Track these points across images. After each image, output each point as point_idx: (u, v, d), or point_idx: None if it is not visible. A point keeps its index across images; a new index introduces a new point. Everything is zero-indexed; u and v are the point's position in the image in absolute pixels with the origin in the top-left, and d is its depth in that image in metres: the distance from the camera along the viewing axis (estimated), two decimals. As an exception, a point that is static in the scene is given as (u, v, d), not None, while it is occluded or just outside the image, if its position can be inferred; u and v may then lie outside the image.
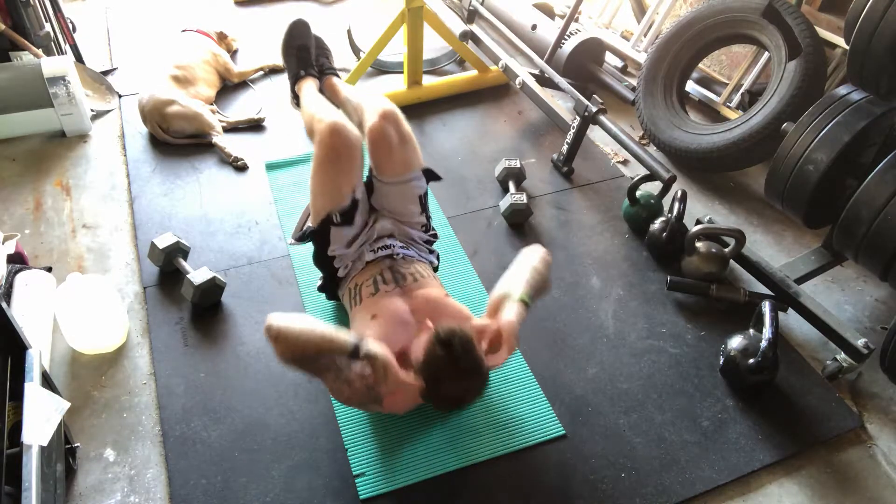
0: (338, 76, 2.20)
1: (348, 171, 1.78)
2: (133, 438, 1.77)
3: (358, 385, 1.51)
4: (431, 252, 2.00)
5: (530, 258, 1.77)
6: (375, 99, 1.87)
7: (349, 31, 3.31)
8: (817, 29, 2.53)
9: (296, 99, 2.14)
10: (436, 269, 2.02)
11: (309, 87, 2.11)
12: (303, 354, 1.51)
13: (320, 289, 1.99)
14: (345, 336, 1.50)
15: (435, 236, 2.01)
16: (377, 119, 1.78)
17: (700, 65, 3.13)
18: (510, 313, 1.61)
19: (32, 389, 1.43)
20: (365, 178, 1.95)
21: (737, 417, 1.89)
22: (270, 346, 1.50)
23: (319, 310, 2.10)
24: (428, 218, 1.97)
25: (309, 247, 1.95)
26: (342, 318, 2.05)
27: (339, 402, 1.69)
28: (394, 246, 1.84)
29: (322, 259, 1.88)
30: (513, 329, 1.58)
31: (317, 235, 1.85)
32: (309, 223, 1.90)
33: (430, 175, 1.94)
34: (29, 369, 1.46)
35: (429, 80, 3.12)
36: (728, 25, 2.68)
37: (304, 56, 2.18)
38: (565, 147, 2.72)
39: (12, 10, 2.69)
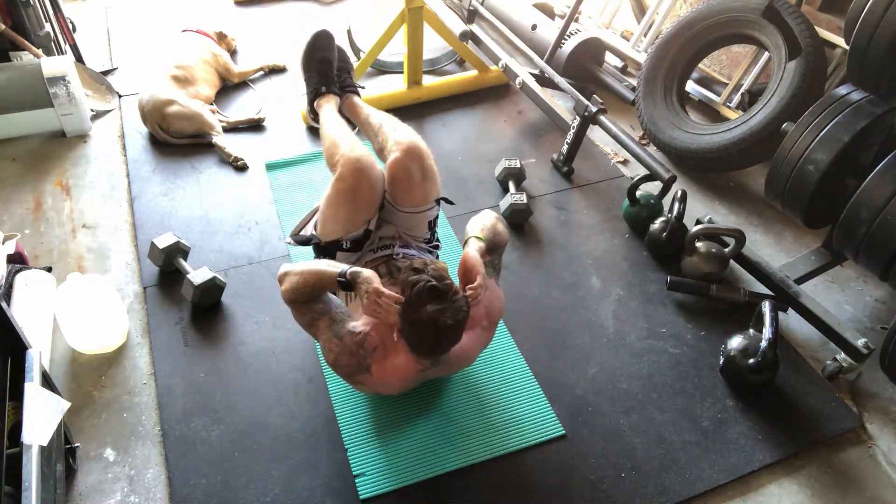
0: (359, 95, 2.10)
1: (367, 207, 1.78)
2: (133, 438, 1.77)
3: (348, 342, 1.58)
4: (431, 252, 2.00)
5: (480, 217, 1.85)
6: (400, 130, 1.84)
7: (349, 31, 3.31)
8: (817, 29, 2.53)
9: (313, 114, 2.07)
10: (436, 269, 2.01)
11: (330, 107, 2.00)
12: (301, 292, 1.63)
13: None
14: (336, 267, 1.60)
15: (437, 247, 1.99)
16: (400, 154, 1.76)
17: (700, 65, 3.13)
18: (470, 248, 1.70)
19: (32, 389, 1.43)
20: None
21: (737, 417, 1.89)
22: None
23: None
24: (434, 237, 1.96)
25: (309, 247, 1.96)
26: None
27: (329, 366, 1.67)
28: (394, 246, 1.85)
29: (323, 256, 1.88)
30: (475, 258, 1.65)
31: (322, 251, 1.85)
32: (314, 231, 1.90)
33: (444, 199, 1.94)
34: (29, 369, 1.46)
35: (429, 80, 3.12)
36: (728, 25, 2.68)
37: (326, 70, 2.04)
38: (565, 147, 2.72)
39: (12, 10, 2.69)
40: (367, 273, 1.57)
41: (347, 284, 1.58)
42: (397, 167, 1.77)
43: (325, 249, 1.84)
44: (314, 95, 2.04)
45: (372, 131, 1.93)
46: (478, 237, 1.75)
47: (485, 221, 1.82)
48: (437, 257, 2.02)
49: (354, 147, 1.76)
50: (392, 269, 1.78)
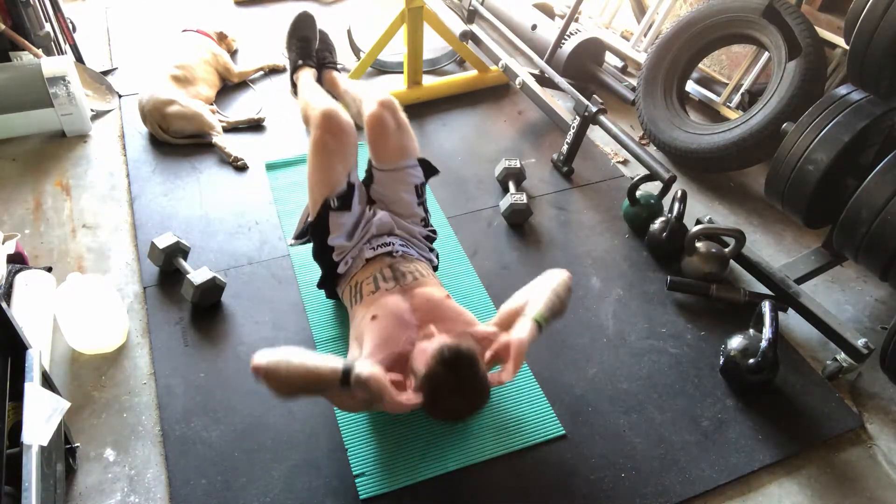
0: (338, 70, 2.25)
1: (342, 154, 1.82)
2: (133, 438, 1.77)
3: (360, 397, 1.49)
4: (431, 250, 2.00)
5: (553, 280, 1.72)
6: (374, 89, 1.95)
7: (349, 31, 3.31)
8: (817, 29, 2.53)
9: (294, 88, 2.20)
10: (436, 269, 2.02)
11: (306, 75, 2.16)
12: (298, 394, 1.57)
13: (319, 285, 2.00)
14: (333, 365, 1.47)
15: (434, 232, 2.02)
16: (375, 106, 1.85)
17: (700, 65, 3.13)
18: (523, 330, 1.56)
19: (32, 389, 1.43)
20: (363, 177, 1.96)
21: (737, 417, 1.89)
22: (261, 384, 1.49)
23: (319, 309, 2.10)
24: (426, 211, 1.99)
25: (309, 247, 1.96)
26: (342, 316, 2.05)
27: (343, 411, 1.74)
28: (393, 244, 1.85)
29: (322, 252, 1.88)
30: (523, 347, 1.54)
31: (316, 226, 1.85)
32: (308, 219, 1.91)
33: (428, 168, 1.97)
34: (29, 369, 1.46)
35: (429, 80, 3.12)
36: (728, 25, 2.68)
37: (305, 46, 2.23)
38: (565, 147, 2.72)
39: (12, 10, 2.69)
40: (368, 373, 1.45)
41: (350, 385, 1.46)
42: (373, 119, 1.84)
43: (320, 223, 1.83)
44: (293, 69, 2.21)
45: (350, 98, 2.05)
46: (538, 320, 1.59)
47: (553, 292, 1.67)
48: (437, 256, 2.03)
49: (324, 102, 1.85)
50: (397, 274, 1.77)
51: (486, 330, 1.66)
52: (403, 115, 1.90)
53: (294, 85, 2.20)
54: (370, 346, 1.62)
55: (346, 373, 1.45)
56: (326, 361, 1.50)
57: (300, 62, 2.21)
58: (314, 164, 1.83)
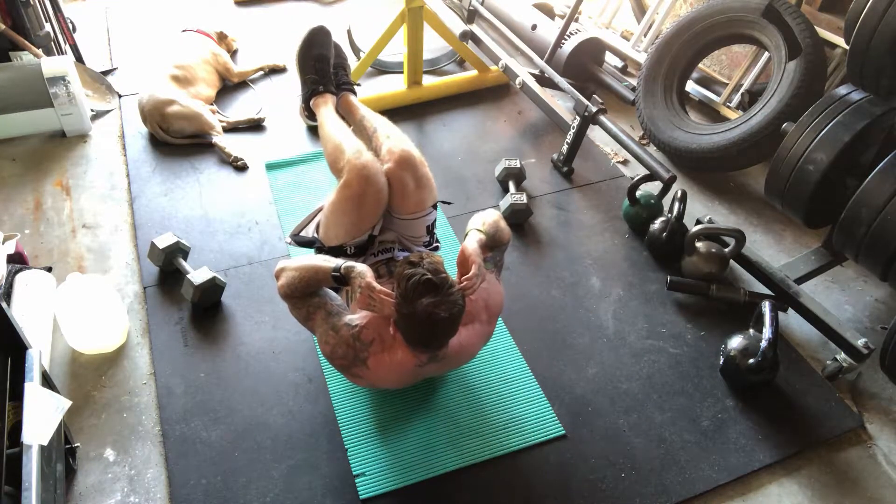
0: (355, 93, 2.08)
1: (373, 214, 1.79)
2: (133, 438, 1.77)
3: (344, 333, 1.59)
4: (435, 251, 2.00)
5: (482, 214, 1.85)
6: (393, 138, 1.85)
7: (349, 31, 3.31)
8: (817, 29, 2.53)
9: (308, 112, 2.11)
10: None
11: (328, 108, 1.98)
12: (296, 287, 1.65)
13: None
14: (331, 262, 1.62)
15: (436, 249, 1.99)
16: (393, 165, 1.77)
17: (700, 65, 3.13)
18: (469, 240, 1.71)
19: (32, 389, 1.43)
20: None
21: (737, 417, 1.89)
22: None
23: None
24: (433, 238, 1.96)
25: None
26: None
27: (326, 359, 1.67)
28: (394, 249, 1.86)
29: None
30: (474, 249, 1.65)
31: (325, 252, 1.84)
32: (315, 234, 1.89)
33: (441, 202, 1.95)
34: (29, 369, 1.46)
35: (429, 80, 3.12)
36: (728, 25, 2.68)
37: (323, 68, 2.01)
38: (565, 147, 2.72)
39: (12, 10, 2.69)
40: (361, 268, 1.58)
41: (342, 279, 1.60)
42: (391, 178, 1.78)
43: (327, 253, 1.82)
44: (311, 94, 2.01)
45: (367, 135, 1.92)
46: (479, 230, 1.76)
47: (487, 217, 1.82)
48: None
49: (360, 153, 1.76)
50: (392, 268, 1.79)
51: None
52: (424, 169, 1.82)
53: (309, 110, 2.05)
54: (361, 312, 1.65)
55: (339, 266, 1.60)
56: (327, 260, 1.65)
57: (320, 88, 1.99)
58: (340, 214, 1.78)
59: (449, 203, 2.01)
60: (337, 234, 1.80)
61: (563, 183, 2.71)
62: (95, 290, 1.94)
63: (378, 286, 1.54)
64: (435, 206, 1.89)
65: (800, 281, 2.18)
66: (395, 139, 1.84)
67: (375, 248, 1.86)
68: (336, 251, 1.81)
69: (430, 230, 1.92)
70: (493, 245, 1.77)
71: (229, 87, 3.13)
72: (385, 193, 1.78)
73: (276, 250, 2.31)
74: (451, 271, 2.22)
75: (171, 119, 2.71)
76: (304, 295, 1.67)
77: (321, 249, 1.85)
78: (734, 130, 2.56)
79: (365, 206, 1.75)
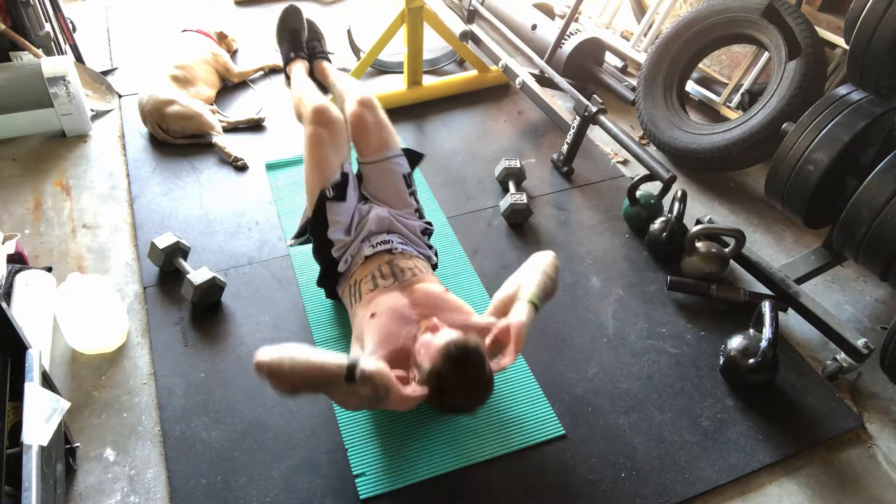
0: (328, 60, 2.35)
1: (335, 145, 1.90)
2: (133, 438, 1.77)
3: (364, 393, 1.49)
4: (430, 247, 2.01)
5: (541, 261, 1.76)
6: (355, 88, 2.05)
7: (349, 31, 3.31)
8: (817, 29, 2.53)
9: (288, 80, 2.29)
10: (435, 267, 2.02)
11: (298, 69, 2.27)
12: (299, 387, 1.52)
13: (319, 283, 2.00)
14: (337, 361, 1.47)
15: (430, 224, 2.05)
16: (356, 106, 1.96)
17: (700, 65, 3.13)
18: (521, 313, 1.59)
19: (32, 389, 1.43)
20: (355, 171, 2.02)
21: (737, 417, 1.89)
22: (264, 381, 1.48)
23: (319, 309, 2.10)
24: (418, 202, 2.04)
25: (309, 247, 1.96)
26: (342, 316, 2.05)
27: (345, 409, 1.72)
28: (392, 241, 1.86)
29: (322, 248, 1.89)
30: (523, 329, 1.56)
31: (315, 221, 1.87)
32: (308, 217, 1.93)
33: (413, 157, 2.06)
34: (29, 369, 1.46)
35: (429, 80, 3.12)
36: (728, 25, 2.68)
37: (296, 39, 2.33)
38: (565, 147, 2.72)
39: (12, 10, 2.69)
40: (373, 367, 1.45)
41: (355, 381, 1.46)
42: (353, 117, 1.95)
43: (318, 216, 1.87)
44: (286, 62, 2.32)
45: (337, 94, 2.15)
46: (533, 302, 1.63)
47: (543, 273, 1.71)
48: (436, 254, 2.03)
49: (315, 98, 1.95)
50: (395, 270, 1.78)
51: (483, 321, 1.67)
52: (383, 113, 2.00)
53: (288, 77, 2.30)
54: (371, 344, 1.62)
55: (352, 368, 1.44)
56: (330, 357, 1.49)
57: (292, 55, 2.31)
58: (310, 157, 1.89)
59: (421, 155, 2.10)
60: (316, 183, 1.87)
61: (563, 183, 2.71)
62: (95, 290, 1.94)
63: (405, 390, 1.48)
64: (408, 158, 2.01)
65: (800, 281, 2.18)
66: (356, 87, 2.07)
67: (372, 239, 1.87)
68: (321, 206, 1.85)
69: (409, 182, 2.01)
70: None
71: (229, 87, 3.13)
72: (342, 127, 1.92)
73: (276, 250, 2.31)
74: (450, 279, 2.23)
75: (171, 119, 2.70)
76: (309, 388, 1.56)
77: (313, 223, 1.88)
78: (734, 130, 2.56)
79: (326, 139, 1.87)
